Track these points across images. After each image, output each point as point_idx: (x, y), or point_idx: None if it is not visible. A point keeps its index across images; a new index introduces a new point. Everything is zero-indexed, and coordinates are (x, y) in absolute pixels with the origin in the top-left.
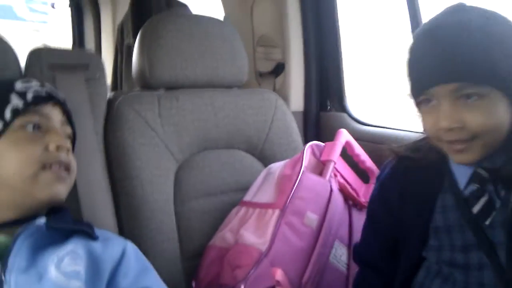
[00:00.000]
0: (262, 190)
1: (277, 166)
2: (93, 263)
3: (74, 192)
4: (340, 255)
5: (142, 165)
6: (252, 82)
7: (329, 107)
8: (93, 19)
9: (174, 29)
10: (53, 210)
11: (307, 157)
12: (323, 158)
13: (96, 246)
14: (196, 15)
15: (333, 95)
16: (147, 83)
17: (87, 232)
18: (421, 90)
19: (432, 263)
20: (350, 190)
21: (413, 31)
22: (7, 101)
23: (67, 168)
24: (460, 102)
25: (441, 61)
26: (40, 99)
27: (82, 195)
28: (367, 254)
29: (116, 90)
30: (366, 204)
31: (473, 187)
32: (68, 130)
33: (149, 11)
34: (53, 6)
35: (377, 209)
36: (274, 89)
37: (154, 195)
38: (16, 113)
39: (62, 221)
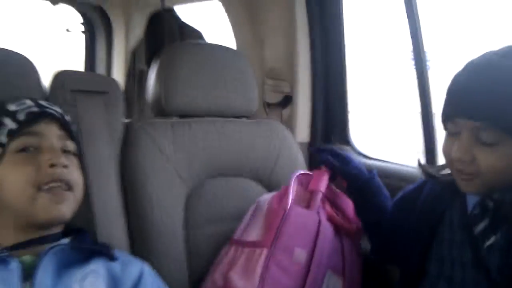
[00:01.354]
0: (250, 227)
1: (265, 199)
2: (113, 283)
3: (89, 213)
4: (332, 285)
5: (154, 189)
6: (260, 112)
7: (333, 139)
8: (106, 45)
9: (189, 59)
10: (75, 231)
11: (294, 188)
12: (310, 187)
13: (116, 266)
14: (210, 44)
15: (337, 127)
16: (162, 111)
17: (107, 253)
18: (446, 117)
19: (433, 277)
20: (340, 219)
21: (416, 65)
22: (1, 124)
23: (67, 184)
24: (477, 139)
25: (469, 98)
26: (32, 118)
27: (97, 217)
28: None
29: (126, 114)
30: (358, 229)
31: (476, 211)
32: (70, 145)
33: (162, 38)
34: (68, 30)
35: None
36: (281, 120)
37: (163, 219)
38: (11, 135)
39: (84, 242)
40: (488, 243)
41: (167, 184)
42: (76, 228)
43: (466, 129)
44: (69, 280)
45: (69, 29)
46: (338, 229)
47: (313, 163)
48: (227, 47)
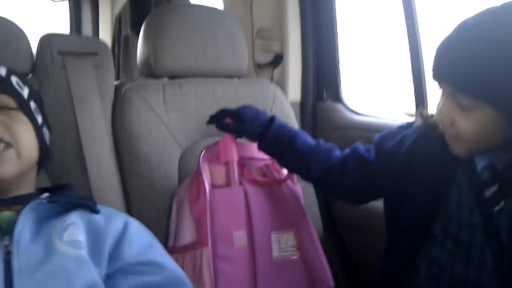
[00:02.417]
0: (181, 230)
1: (184, 193)
2: (94, 234)
3: (84, 174)
4: (283, 244)
5: (149, 150)
6: (250, 73)
7: (325, 98)
8: (91, 10)
9: (178, 19)
10: (58, 187)
11: (205, 170)
12: (222, 159)
13: (98, 219)
14: (199, 5)
15: (329, 85)
16: (151, 72)
17: (89, 206)
18: (432, 77)
19: (439, 238)
20: (262, 178)
21: (407, 22)
22: None
23: (1, 140)
24: (456, 102)
25: (444, 61)
26: None
27: (92, 178)
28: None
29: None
30: (285, 177)
31: (486, 175)
32: (5, 100)
33: (148, 3)
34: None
35: (387, 151)
36: (272, 80)
37: (160, 179)
38: None
39: (64, 196)
40: (497, 207)
41: (161, 144)
42: (61, 185)
43: (445, 91)
44: (49, 233)
45: None
46: (266, 185)
47: (305, 122)
48: (215, 8)
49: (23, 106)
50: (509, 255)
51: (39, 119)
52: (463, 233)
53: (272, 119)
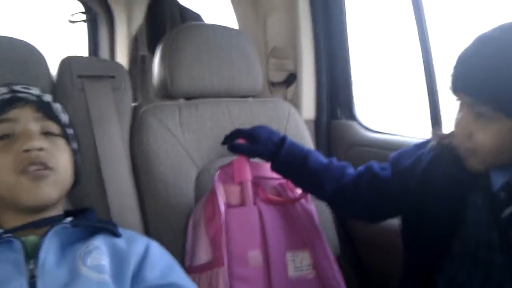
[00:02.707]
0: (197, 249)
1: (199, 212)
2: (117, 258)
3: (103, 195)
4: (299, 263)
5: (166, 170)
6: (264, 92)
7: (339, 115)
8: (108, 31)
9: (193, 40)
10: (81, 211)
11: (220, 190)
12: (237, 179)
13: (120, 242)
14: (213, 25)
15: (343, 103)
16: (168, 93)
17: (111, 230)
18: (451, 90)
19: (457, 255)
20: (276, 197)
21: (420, 39)
22: None
23: (46, 167)
24: (475, 114)
25: (464, 72)
26: (3, 105)
27: (111, 200)
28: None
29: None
30: (299, 196)
31: (503, 195)
32: (51, 126)
33: (164, 23)
34: (70, 21)
35: (404, 169)
36: (286, 99)
37: (177, 199)
38: None
39: (87, 220)
40: None
41: (178, 164)
42: (84, 208)
43: (464, 103)
44: (73, 257)
45: (72, 20)
46: (280, 205)
47: (319, 140)
48: (230, 28)
49: (63, 132)
50: None
51: (75, 146)
52: (481, 251)
53: (283, 138)
